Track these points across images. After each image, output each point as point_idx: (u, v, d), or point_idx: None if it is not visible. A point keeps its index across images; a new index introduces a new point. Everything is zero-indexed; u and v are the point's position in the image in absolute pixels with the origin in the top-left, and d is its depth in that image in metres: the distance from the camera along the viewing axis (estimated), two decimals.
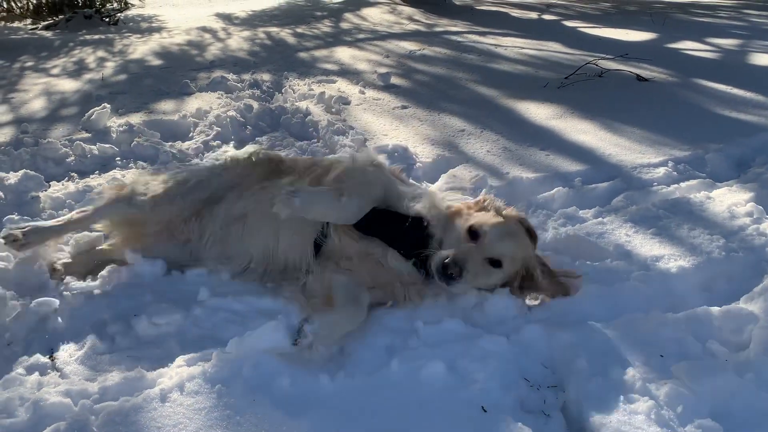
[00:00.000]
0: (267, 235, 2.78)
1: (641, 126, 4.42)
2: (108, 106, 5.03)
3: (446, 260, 2.43)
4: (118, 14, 11.84)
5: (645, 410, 1.88)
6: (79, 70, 7.37)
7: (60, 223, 2.99)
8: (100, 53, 8.33)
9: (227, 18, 11.30)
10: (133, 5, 14.00)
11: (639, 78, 5.52)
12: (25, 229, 2.85)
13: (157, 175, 3.13)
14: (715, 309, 2.42)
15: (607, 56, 6.11)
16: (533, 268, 2.58)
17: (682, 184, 3.59)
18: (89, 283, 2.84)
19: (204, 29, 9.97)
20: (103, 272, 2.92)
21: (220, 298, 2.67)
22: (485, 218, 2.59)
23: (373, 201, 2.65)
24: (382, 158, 2.96)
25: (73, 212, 3.05)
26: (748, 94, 5.14)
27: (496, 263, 2.51)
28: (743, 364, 2.07)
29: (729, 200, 3.28)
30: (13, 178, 3.70)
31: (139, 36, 9.62)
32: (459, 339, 2.32)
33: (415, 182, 3.38)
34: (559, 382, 2.15)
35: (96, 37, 9.62)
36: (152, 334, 2.47)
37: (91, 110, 4.96)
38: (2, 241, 2.81)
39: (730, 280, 2.73)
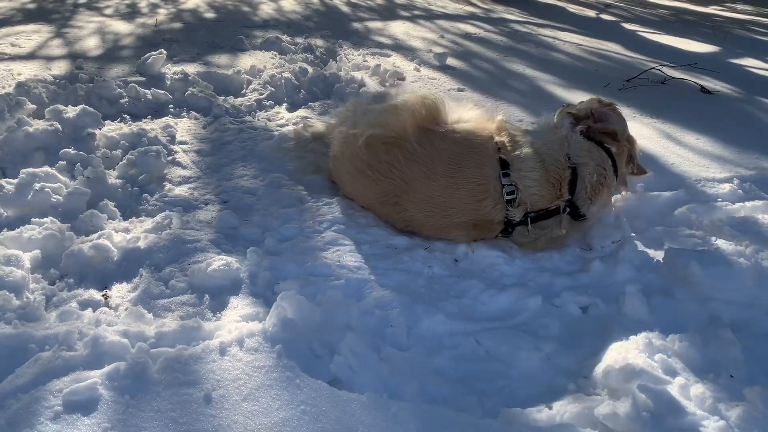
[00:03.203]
0: None
1: (705, 139, 4.29)
2: (164, 51, 4.99)
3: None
4: None
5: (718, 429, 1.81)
6: (132, 13, 7.34)
7: None
8: None
9: None
10: None
11: (703, 90, 5.37)
12: None
13: None
14: None
15: (671, 64, 5.95)
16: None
17: (747, 204, 3.47)
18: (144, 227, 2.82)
19: None
20: (157, 218, 2.91)
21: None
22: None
23: None
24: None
25: None
26: None
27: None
28: None
29: None
30: (71, 112, 3.68)
31: None
32: None
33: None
34: None
35: None
36: (208, 285, 2.44)
37: (147, 54, 4.93)
38: None
39: None
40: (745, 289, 2.59)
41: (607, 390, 2.02)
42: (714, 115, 4.82)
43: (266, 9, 8.10)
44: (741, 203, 3.48)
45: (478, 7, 9.21)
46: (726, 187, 3.63)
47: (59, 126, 3.49)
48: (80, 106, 3.72)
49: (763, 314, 2.59)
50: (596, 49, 6.84)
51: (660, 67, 5.58)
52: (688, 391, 1.97)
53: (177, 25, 6.83)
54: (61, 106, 3.72)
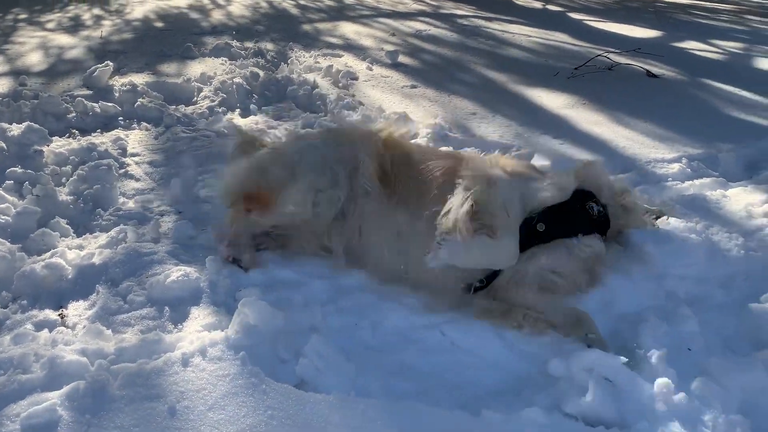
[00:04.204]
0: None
1: (653, 122, 4.40)
2: (111, 63, 4.89)
3: None
4: None
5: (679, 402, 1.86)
6: (75, 26, 7.18)
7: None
8: (96, 11, 8.12)
9: None
10: None
11: (649, 74, 5.51)
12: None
13: None
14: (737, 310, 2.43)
15: (616, 50, 6.08)
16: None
17: (696, 181, 3.57)
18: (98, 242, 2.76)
19: None
20: (112, 232, 2.85)
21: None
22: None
23: (519, 221, 2.39)
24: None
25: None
26: (756, 97, 5.15)
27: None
28: None
29: (745, 200, 3.27)
30: (15, 130, 3.59)
31: None
32: None
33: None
34: None
35: None
36: (167, 297, 2.40)
37: (93, 67, 4.83)
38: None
39: (748, 278, 2.72)
40: (698, 264, 2.66)
41: (570, 375, 2.05)
42: (660, 99, 4.94)
43: (216, 15, 8.00)
44: (690, 181, 3.58)
45: (427, 4, 9.26)
46: (675, 167, 3.72)
47: (4, 145, 3.41)
48: (25, 123, 3.63)
49: (716, 287, 2.67)
50: (544, 40, 6.94)
51: (606, 54, 5.69)
52: (649, 367, 2.02)
53: (124, 36, 6.70)
54: (5, 124, 3.63)
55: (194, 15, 7.99)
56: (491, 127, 4.28)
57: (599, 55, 5.63)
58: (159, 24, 7.41)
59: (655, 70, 5.68)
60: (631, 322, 2.32)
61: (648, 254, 2.61)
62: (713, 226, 2.98)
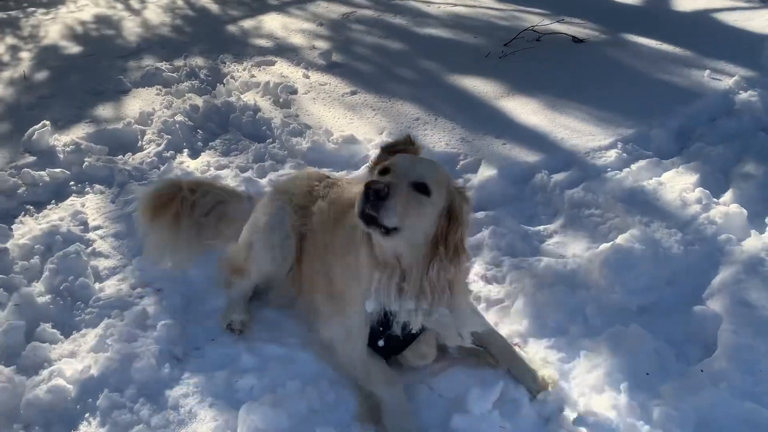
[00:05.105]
0: None
1: (585, 102, 4.61)
2: (47, 123, 4.80)
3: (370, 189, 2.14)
4: None
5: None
6: None
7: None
8: (10, 39, 7.78)
9: None
10: None
11: (575, 39, 5.69)
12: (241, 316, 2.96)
13: None
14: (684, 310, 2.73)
15: (540, 13, 6.22)
16: (461, 201, 2.36)
17: (633, 167, 3.83)
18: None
19: None
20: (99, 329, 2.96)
21: None
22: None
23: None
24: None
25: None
26: (676, 50, 5.41)
27: (420, 187, 2.24)
28: (716, 374, 2.36)
29: (678, 185, 3.56)
30: None
31: (44, 11, 8.98)
32: None
33: None
34: None
35: None
36: (172, 402, 2.56)
37: (31, 130, 4.75)
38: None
39: (690, 272, 3.02)
40: (645, 273, 2.94)
41: None
42: (589, 69, 5.15)
43: (131, 27, 7.74)
44: (627, 168, 3.85)
45: None
46: (612, 154, 3.97)
47: None
48: None
49: (664, 287, 2.97)
50: (469, 7, 7.00)
51: (533, 27, 5.82)
52: (613, 402, 2.30)
53: (45, 72, 6.49)
54: None
55: (109, 31, 7.71)
56: (436, 134, 4.44)
57: (526, 29, 5.77)
58: (78, 48, 7.17)
59: (579, 32, 5.86)
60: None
61: (604, 276, 2.89)
62: (653, 223, 3.26)
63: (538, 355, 2.65)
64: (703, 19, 6.13)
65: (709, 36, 5.69)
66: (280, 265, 3.01)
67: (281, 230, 3.01)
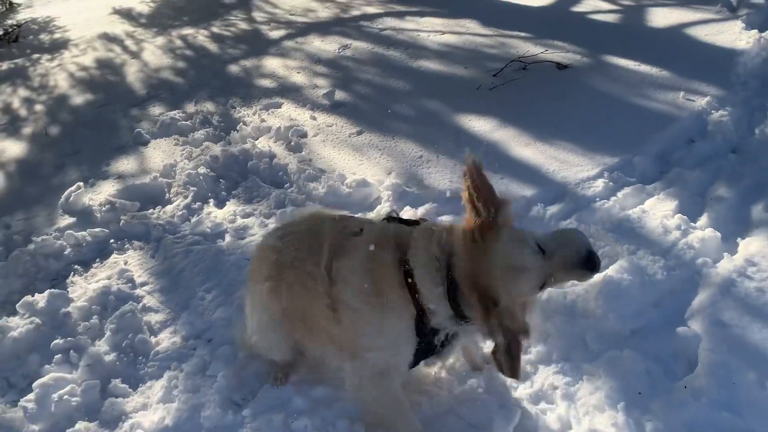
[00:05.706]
0: None
1: (571, 131, 5.04)
2: (81, 185, 5.22)
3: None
4: (12, 23, 11.32)
5: None
6: (13, 121, 7.29)
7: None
8: (22, 92, 8.18)
9: (128, 15, 10.96)
10: (19, 5, 13.32)
11: (558, 66, 6.12)
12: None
13: None
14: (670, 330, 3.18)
15: (524, 37, 6.64)
16: None
17: (619, 194, 4.27)
18: None
19: (108, 38, 9.74)
20: (163, 380, 3.40)
21: None
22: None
23: None
24: None
25: None
26: (653, 70, 5.85)
27: None
28: (698, 390, 2.82)
29: (660, 212, 3.99)
30: (41, 299, 4.00)
31: (48, 57, 9.36)
32: None
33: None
34: None
35: (4, 66, 9.30)
36: None
37: (67, 192, 5.17)
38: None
39: (673, 293, 3.46)
40: (634, 299, 3.38)
41: None
42: (571, 99, 5.58)
43: (134, 72, 8.10)
44: (614, 197, 4.28)
45: (337, 3, 9.51)
46: (599, 184, 4.41)
47: (38, 320, 3.84)
48: (47, 292, 4.03)
49: (651, 309, 3.41)
50: (457, 37, 7.42)
51: (519, 59, 6.25)
52: (613, 420, 2.76)
53: (64, 126, 6.90)
54: (29, 298, 4.03)
55: (112, 77, 8.10)
56: (439, 172, 4.87)
57: (512, 61, 6.20)
58: (89, 97, 7.57)
59: (563, 57, 6.31)
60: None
61: (598, 306, 3.34)
62: (639, 251, 3.70)
63: (548, 381, 3.11)
64: (676, 35, 6.57)
65: (682, 53, 6.13)
66: (286, 354, 3.25)
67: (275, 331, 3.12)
